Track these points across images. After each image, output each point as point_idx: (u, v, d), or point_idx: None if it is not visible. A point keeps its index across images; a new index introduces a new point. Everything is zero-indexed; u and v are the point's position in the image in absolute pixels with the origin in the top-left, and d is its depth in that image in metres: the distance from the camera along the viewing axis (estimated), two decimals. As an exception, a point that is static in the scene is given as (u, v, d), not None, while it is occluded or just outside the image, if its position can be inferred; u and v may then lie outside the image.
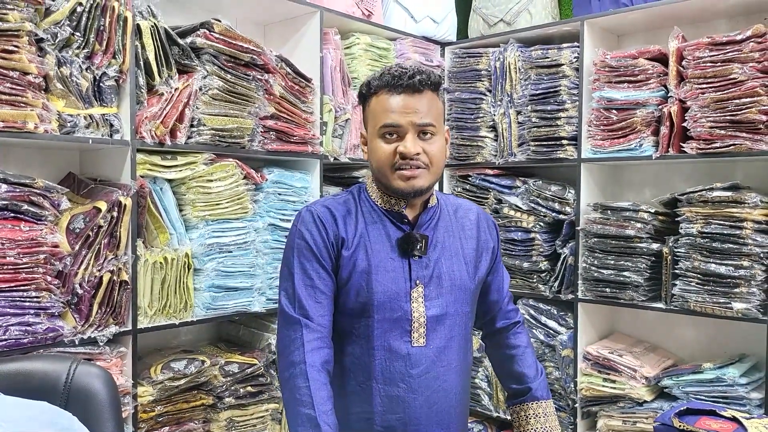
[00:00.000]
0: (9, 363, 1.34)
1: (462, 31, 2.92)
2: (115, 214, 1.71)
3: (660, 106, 2.19)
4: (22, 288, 1.55)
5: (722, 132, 2.02)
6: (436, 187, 1.40)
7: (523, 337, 1.54)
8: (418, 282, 1.34)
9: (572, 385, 2.38)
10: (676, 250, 2.13)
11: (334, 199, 1.41)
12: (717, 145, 2.04)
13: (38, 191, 1.58)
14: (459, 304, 1.38)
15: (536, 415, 1.46)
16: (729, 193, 2.02)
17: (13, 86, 1.52)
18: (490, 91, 2.64)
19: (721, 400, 2.02)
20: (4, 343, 1.52)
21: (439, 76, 1.35)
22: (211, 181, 1.96)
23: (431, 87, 1.32)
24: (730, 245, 2.00)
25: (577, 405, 2.37)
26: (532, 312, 2.53)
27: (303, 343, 1.26)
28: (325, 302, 1.31)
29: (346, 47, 2.47)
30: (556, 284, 2.44)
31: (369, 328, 1.33)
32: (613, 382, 2.27)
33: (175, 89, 1.84)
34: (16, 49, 1.52)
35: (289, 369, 1.26)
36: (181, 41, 1.87)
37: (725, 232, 2.01)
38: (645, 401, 2.19)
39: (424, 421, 1.34)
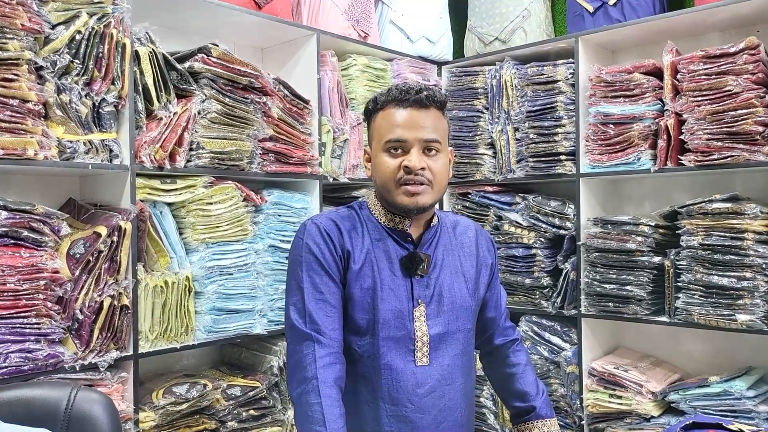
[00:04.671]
0: (9, 390, 1.33)
1: (458, 50, 2.95)
2: (115, 238, 1.71)
3: (656, 120, 2.20)
4: (22, 315, 1.54)
5: (719, 144, 2.03)
6: (436, 205, 1.40)
7: (523, 355, 1.53)
8: (420, 301, 1.34)
9: (578, 402, 2.36)
10: (677, 262, 2.13)
11: (337, 213, 1.40)
12: (715, 157, 2.04)
13: (38, 217, 1.58)
14: (460, 321, 1.38)
15: None
16: (729, 205, 2.02)
17: (13, 114, 1.53)
18: (487, 109, 2.66)
19: (729, 413, 2.00)
20: (4, 370, 1.51)
21: (445, 95, 1.36)
22: (211, 203, 1.97)
23: (437, 104, 1.33)
24: (732, 257, 1.99)
25: (583, 422, 2.34)
26: (535, 328, 2.51)
27: (315, 358, 1.23)
28: (335, 316, 1.29)
29: (343, 68, 2.50)
30: (559, 300, 2.43)
31: (374, 346, 1.31)
32: (620, 397, 2.24)
33: (174, 113, 1.86)
34: (16, 77, 1.53)
35: (301, 385, 1.23)
36: (179, 66, 1.89)
37: (726, 243, 2.01)
38: (652, 416, 2.17)
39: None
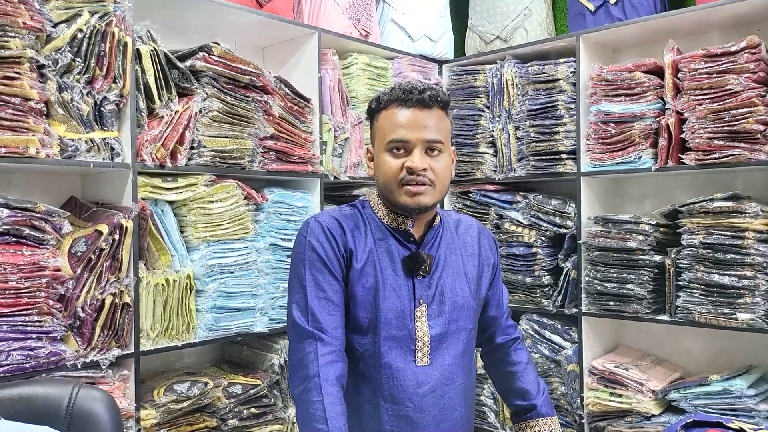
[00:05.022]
0: (11, 388, 1.34)
1: (459, 49, 2.95)
2: (116, 236, 1.71)
3: (657, 119, 2.20)
4: (24, 312, 1.55)
5: (720, 143, 2.03)
6: (438, 204, 1.40)
7: (524, 354, 1.53)
8: (421, 301, 1.34)
9: (579, 401, 2.36)
10: (678, 261, 2.13)
11: (340, 211, 1.40)
12: (716, 155, 2.04)
13: (40, 215, 1.58)
14: (462, 321, 1.38)
15: None
16: (729, 203, 2.02)
17: (15, 112, 1.54)
18: (488, 108, 2.66)
19: (729, 412, 2.00)
20: (6, 368, 1.51)
21: (449, 95, 1.35)
22: (212, 202, 1.97)
23: (440, 104, 1.32)
24: (733, 255, 1.99)
25: (584, 420, 2.35)
26: (536, 327, 2.51)
27: (317, 356, 1.23)
28: (338, 315, 1.29)
29: (344, 67, 2.50)
30: (560, 298, 2.43)
31: (375, 345, 1.32)
32: (620, 396, 2.24)
33: (176, 112, 1.86)
34: (17, 75, 1.54)
35: (303, 383, 1.23)
36: (180, 65, 1.89)
37: (727, 242, 2.01)
38: (653, 415, 2.17)
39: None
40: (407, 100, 1.30)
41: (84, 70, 1.68)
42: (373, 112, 1.38)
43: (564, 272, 2.41)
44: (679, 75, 2.14)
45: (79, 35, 1.66)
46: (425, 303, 1.34)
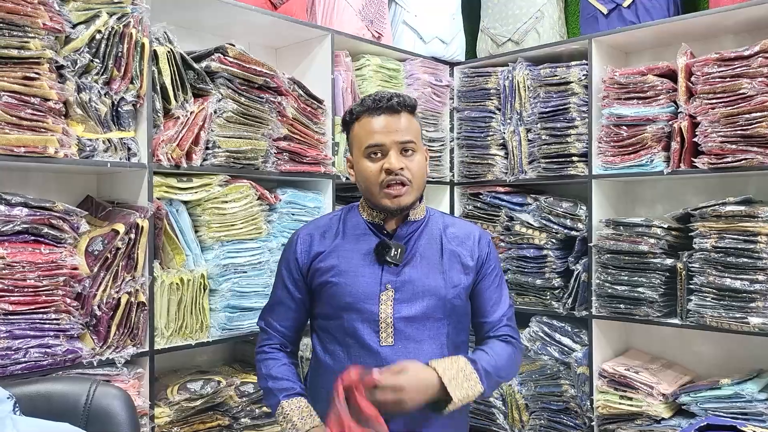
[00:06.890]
0: (30, 385, 1.35)
1: (470, 51, 2.96)
2: (132, 236, 1.73)
3: (670, 122, 2.20)
4: (41, 310, 1.57)
5: (733, 146, 2.03)
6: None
7: (499, 345, 1.48)
8: (388, 286, 1.44)
9: (588, 403, 2.36)
10: (690, 265, 2.13)
11: (323, 217, 1.61)
12: (728, 159, 2.04)
13: (58, 214, 1.60)
14: (430, 310, 1.45)
15: (451, 361, 1.38)
16: (742, 208, 2.02)
17: (35, 112, 1.55)
18: (499, 110, 2.66)
19: (740, 416, 2.00)
20: (24, 365, 1.53)
21: (414, 100, 1.48)
22: (226, 202, 1.99)
23: (407, 109, 1.46)
24: (745, 259, 1.99)
25: (593, 423, 2.35)
26: (546, 329, 2.51)
27: (260, 342, 1.57)
28: (289, 314, 1.54)
29: (356, 69, 2.51)
30: (570, 301, 2.43)
31: (341, 327, 1.45)
32: (630, 399, 2.25)
33: (191, 113, 1.87)
34: (37, 76, 1.55)
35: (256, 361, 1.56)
36: (196, 66, 1.90)
37: (739, 246, 2.00)
38: (663, 418, 2.17)
39: (404, 416, 1.35)
40: (378, 108, 1.43)
41: (102, 70, 1.69)
42: (347, 125, 1.50)
43: (574, 275, 2.41)
44: (692, 79, 2.14)
45: (98, 36, 1.68)
46: (392, 288, 1.44)
